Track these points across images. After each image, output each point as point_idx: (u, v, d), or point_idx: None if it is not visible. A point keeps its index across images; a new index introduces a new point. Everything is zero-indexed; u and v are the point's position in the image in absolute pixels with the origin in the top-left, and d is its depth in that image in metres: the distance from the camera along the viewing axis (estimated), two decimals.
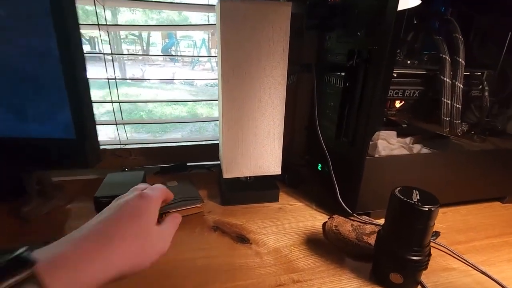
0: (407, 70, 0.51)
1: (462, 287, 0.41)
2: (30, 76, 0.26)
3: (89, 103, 0.28)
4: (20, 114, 0.27)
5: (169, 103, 4.95)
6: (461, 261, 0.45)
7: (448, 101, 0.50)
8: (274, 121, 0.55)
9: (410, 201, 0.36)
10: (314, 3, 0.56)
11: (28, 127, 0.28)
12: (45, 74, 0.25)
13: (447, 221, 0.56)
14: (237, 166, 0.56)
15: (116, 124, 0.62)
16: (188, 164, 0.72)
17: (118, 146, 0.66)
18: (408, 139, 0.61)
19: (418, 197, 0.37)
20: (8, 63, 0.26)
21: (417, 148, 0.60)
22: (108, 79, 0.59)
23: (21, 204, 0.52)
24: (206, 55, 7.06)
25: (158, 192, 0.31)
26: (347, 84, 0.51)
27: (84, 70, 0.27)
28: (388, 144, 0.60)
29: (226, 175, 0.56)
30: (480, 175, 0.60)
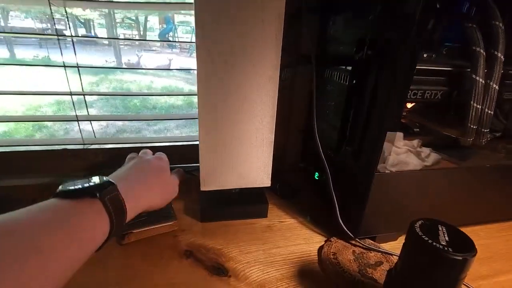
0: (430, 66, 0.41)
1: None
2: None
3: None
4: None
5: (164, 91, 4.80)
6: None
7: (478, 106, 0.40)
8: (263, 124, 0.45)
9: (437, 245, 0.26)
10: None
11: None
12: None
13: None
14: (218, 177, 0.47)
15: (78, 120, 0.52)
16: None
17: (81, 146, 0.56)
18: (415, 142, 0.52)
19: (447, 238, 0.28)
20: None
21: (425, 152, 0.51)
22: (64, 66, 0.48)
23: None
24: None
25: (165, 156, 0.45)
26: (354, 82, 0.42)
27: None
28: (395, 147, 0.51)
29: (204, 187, 0.47)
30: (503, 191, 0.51)
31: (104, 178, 0.31)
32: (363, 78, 0.41)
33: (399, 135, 0.51)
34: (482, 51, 0.38)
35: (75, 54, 0.53)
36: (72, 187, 0.29)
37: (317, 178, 0.57)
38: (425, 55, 0.46)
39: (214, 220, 0.50)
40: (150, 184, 0.38)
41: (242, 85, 0.42)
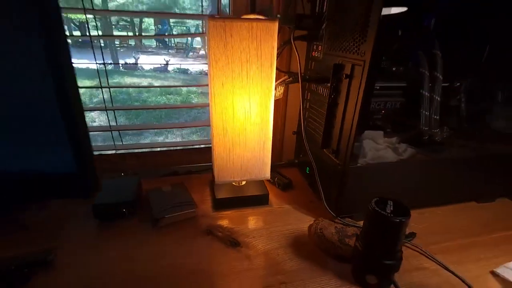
0: (388, 83, 0.53)
1: (431, 285, 0.46)
2: (32, 118, 0.29)
3: (87, 141, 0.30)
4: (26, 151, 0.30)
5: (163, 92, 4.89)
6: (433, 261, 0.50)
7: (426, 113, 0.53)
8: (262, 128, 0.57)
9: (384, 213, 0.39)
10: (300, 15, 0.57)
11: (33, 163, 0.31)
12: (45, 118, 0.28)
13: (424, 222, 0.60)
14: (228, 172, 0.59)
15: (106, 110, 0.64)
16: (181, 166, 0.75)
17: (113, 152, 0.68)
18: (394, 139, 0.64)
19: (392, 209, 0.40)
20: (12, 107, 0.29)
21: (402, 147, 0.63)
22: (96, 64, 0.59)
23: (19, 212, 0.54)
24: (201, 40, 6.96)
25: None
26: (332, 96, 0.54)
27: (82, 111, 0.29)
28: (375, 144, 0.63)
29: (218, 181, 0.59)
30: (458, 178, 0.64)
31: None
32: (339, 94, 0.53)
33: (380, 133, 0.64)
34: (426, 72, 0.51)
35: (102, 56, 0.65)
36: None
37: (308, 172, 0.70)
38: (393, 69, 0.58)
39: (225, 208, 0.62)
40: None
41: (245, 100, 0.54)
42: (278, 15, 0.61)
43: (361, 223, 0.58)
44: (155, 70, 6.70)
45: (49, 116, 0.28)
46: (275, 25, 0.49)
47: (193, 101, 4.18)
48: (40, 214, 0.56)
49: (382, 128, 0.64)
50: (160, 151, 0.72)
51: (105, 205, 0.54)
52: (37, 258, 0.44)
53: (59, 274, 0.44)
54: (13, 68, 0.26)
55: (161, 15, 0.86)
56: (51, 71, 0.27)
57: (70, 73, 0.28)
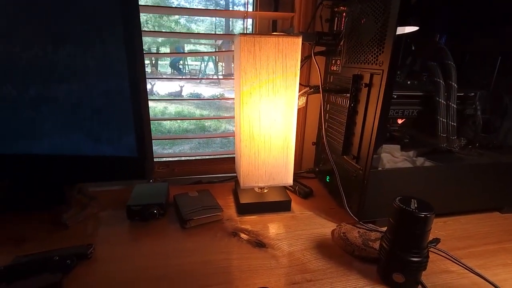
0: (406, 92, 0.57)
1: (459, 287, 0.46)
2: (105, 109, 0.33)
3: (149, 131, 0.34)
4: (96, 138, 0.35)
5: (177, 116, 5.05)
6: (459, 265, 0.50)
7: (444, 120, 0.55)
8: (286, 137, 0.61)
9: (409, 209, 0.41)
10: (320, 32, 0.63)
11: (101, 147, 0.35)
12: (118, 109, 0.33)
13: (448, 229, 0.61)
14: (253, 178, 0.62)
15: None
16: (205, 176, 0.78)
17: None
18: (411, 153, 0.66)
19: (416, 205, 0.42)
20: (90, 100, 0.34)
21: (420, 161, 0.65)
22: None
23: (61, 212, 0.58)
24: (213, 67, 7.28)
25: None
26: (352, 105, 0.58)
27: (147, 106, 0.34)
28: (393, 157, 0.65)
29: (243, 186, 0.62)
30: (479, 186, 0.65)
31: None
32: (358, 102, 0.57)
33: (397, 147, 0.66)
34: (441, 81, 0.54)
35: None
36: None
37: (328, 181, 0.72)
38: (408, 82, 0.62)
39: (249, 213, 0.64)
40: None
41: (271, 110, 0.58)
42: (300, 32, 0.67)
43: (383, 228, 0.59)
44: (170, 94, 6.94)
45: (122, 108, 0.33)
46: (299, 40, 0.54)
47: (206, 124, 4.28)
48: (78, 214, 0.59)
49: (399, 140, 0.66)
50: (186, 159, 0.76)
51: (137, 206, 0.57)
52: (78, 251, 0.47)
53: (97, 265, 0.47)
54: (102, 68, 0.31)
55: (195, 35, 0.94)
56: (129, 72, 0.32)
57: (142, 76, 0.32)
